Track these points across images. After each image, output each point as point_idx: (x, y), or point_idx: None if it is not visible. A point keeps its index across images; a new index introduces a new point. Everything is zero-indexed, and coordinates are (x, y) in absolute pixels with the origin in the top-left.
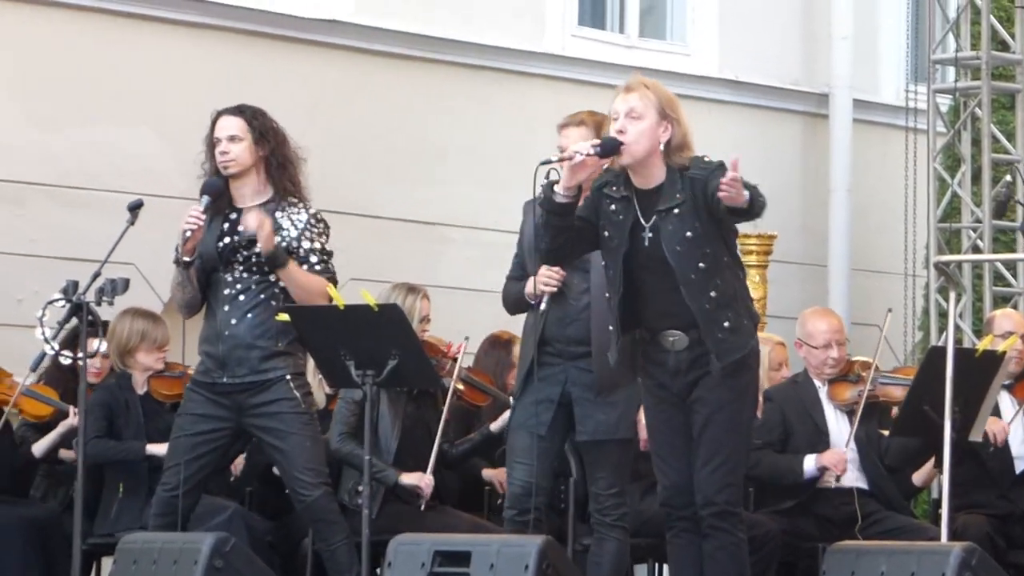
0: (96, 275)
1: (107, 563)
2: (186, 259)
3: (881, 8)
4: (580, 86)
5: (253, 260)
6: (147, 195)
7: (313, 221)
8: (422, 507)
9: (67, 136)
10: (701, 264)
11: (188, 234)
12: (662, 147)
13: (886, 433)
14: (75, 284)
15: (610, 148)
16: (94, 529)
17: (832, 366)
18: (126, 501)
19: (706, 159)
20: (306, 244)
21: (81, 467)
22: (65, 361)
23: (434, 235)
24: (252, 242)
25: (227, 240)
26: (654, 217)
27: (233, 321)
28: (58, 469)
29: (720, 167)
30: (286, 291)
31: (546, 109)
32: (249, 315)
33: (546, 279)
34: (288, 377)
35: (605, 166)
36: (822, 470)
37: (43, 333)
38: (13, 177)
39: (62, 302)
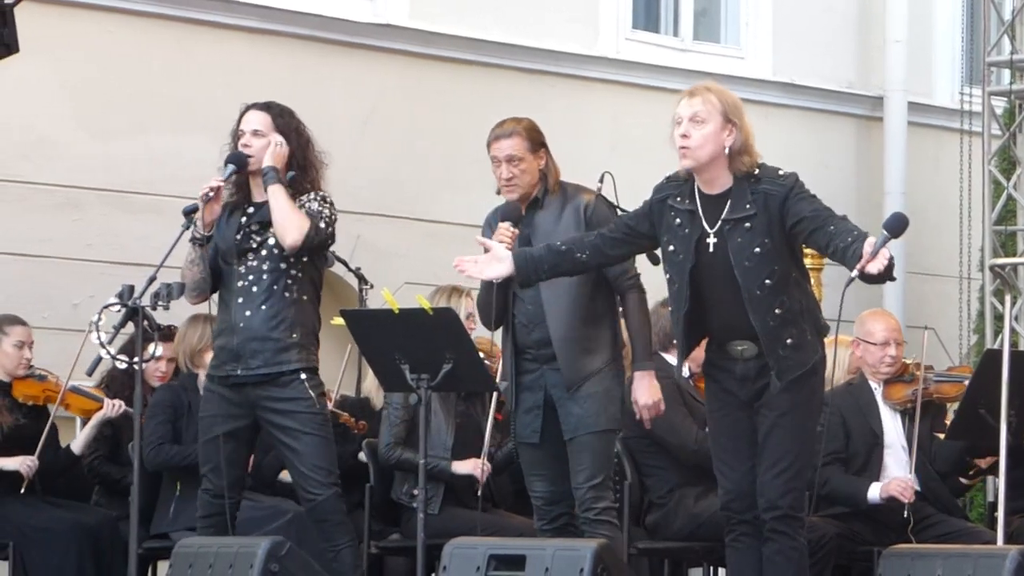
0: (151, 280)
1: (163, 567)
2: (204, 234)
3: (936, 11)
4: (634, 89)
5: (265, 246)
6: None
7: (321, 195)
8: (478, 492)
9: (123, 142)
10: (768, 280)
11: (211, 194)
12: (727, 151)
13: (941, 436)
14: (131, 289)
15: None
16: (151, 527)
17: (890, 364)
18: (183, 501)
19: (780, 172)
20: (304, 199)
21: (137, 471)
22: (121, 366)
23: None
24: (264, 226)
25: (243, 232)
26: (719, 223)
27: (247, 312)
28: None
29: (796, 184)
30: (299, 280)
31: (601, 112)
32: (263, 306)
33: (499, 235)
34: (304, 376)
35: (667, 176)
36: (888, 499)
37: (99, 337)
38: (70, 182)
39: (118, 307)
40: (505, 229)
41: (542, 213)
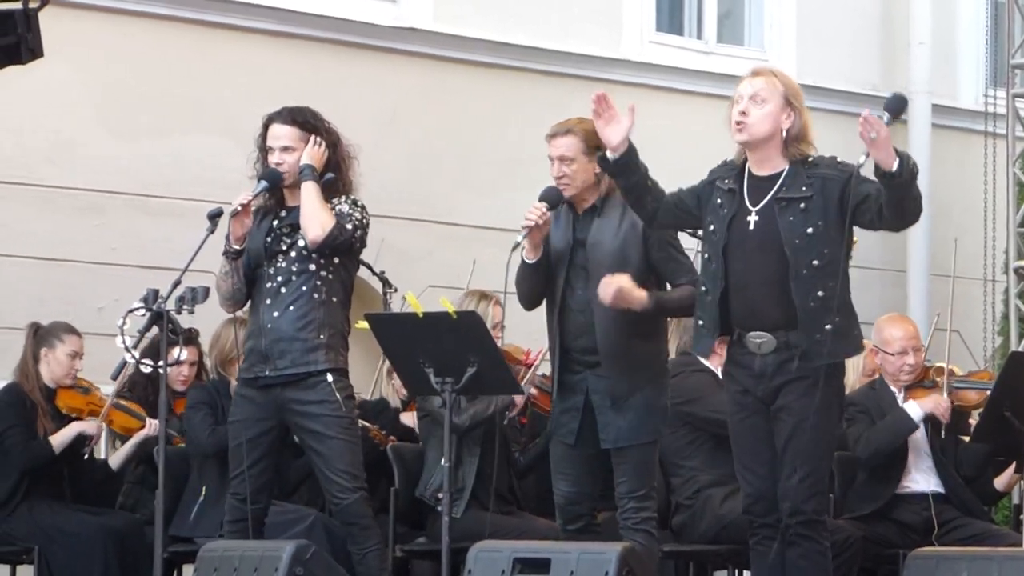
0: (176, 283)
1: (188, 571)
2: (235, 247)
3: (959, 13)
4: (658, 92)
5: (295, 248)
6: (227, 203)
7: (353, 199)
8: (513, 415)
9: (147, 146)
10: (816, 262)
11: (238, 209)
12: (784, 134)
13: (965, 439)
14: (155, 293)
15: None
16: (172, 528)
17: (908, 372)
18: (207, 506)
19: (838, 159)
20: (335, 201)
21: (162, 476)
22: (146, 370)
23: (513, 242)
24: (294, 229)
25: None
26: (767, 201)
27: (275, 314)
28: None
29: (857, 170)
30: (328, 282)
31: None
32: (291, 307)
33: (528, 213)
34: (331, 379)
35: (724, 160)
36: (929, 416)
37: (123, 341)
38: (94, 186)
39: (142, 311)
40: (538, 207)
41: (600, 221)
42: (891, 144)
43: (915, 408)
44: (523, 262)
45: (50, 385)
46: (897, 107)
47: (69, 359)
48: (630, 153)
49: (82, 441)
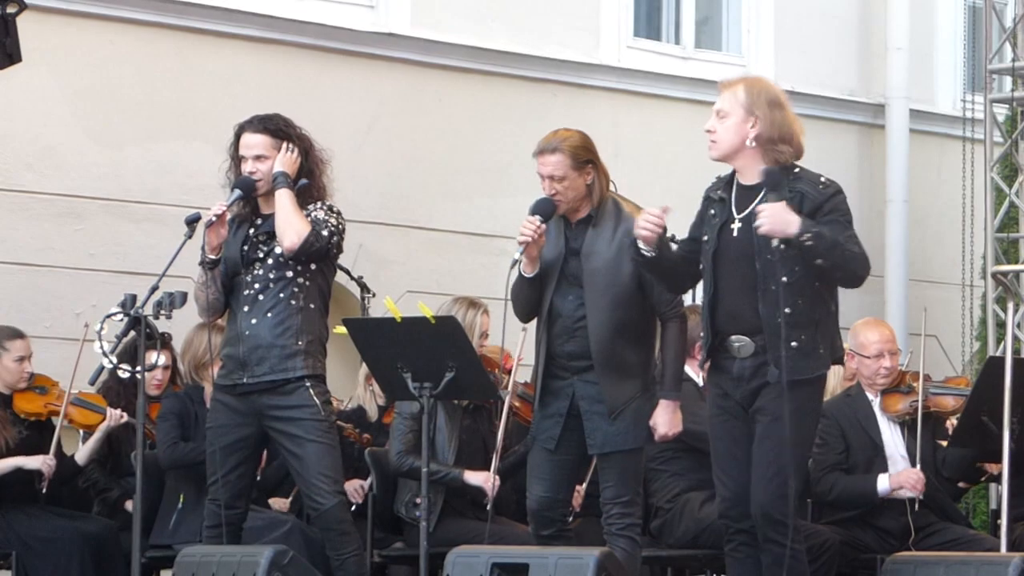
0: (154, 289)
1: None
2: (211, 258)
3: (937, 18)
4: (636, 97)
5: (272, 255)
6: (205, 209)
7: (328, 205)
8: (488, 506)
9: (126, 151)
10: (784, 279)
11: (213, 219)
12: (751, 142)
13: (943, 444)
14: (133, 298)
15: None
16: (151, 537)
17: (885, 376)
18: (185, 513)
19: (822, 179)
20: (311, 208)
21: (140, 479)
22: (123, 375)
23: (492, 247)
24: (271, 236)
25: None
26: (750, 211)
27: (253, 321)
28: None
29: (832, 199)
30: (306, 288)
31: (603, 120)
32: (269, 314)
33: (523, 228)
34: (308, 384)
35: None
36: (897, 490)
37: (101, 347)
38: (72, 192)
39: (120, 316)
40: (530, 222)
41: (594, 232)
42: (782, 216)
43: (885, 483)
44: (520, 275)
45: (4, 392)
46: (770, 182)
47: (18, 364)
48: (661, 240)
49: (32, 476)
